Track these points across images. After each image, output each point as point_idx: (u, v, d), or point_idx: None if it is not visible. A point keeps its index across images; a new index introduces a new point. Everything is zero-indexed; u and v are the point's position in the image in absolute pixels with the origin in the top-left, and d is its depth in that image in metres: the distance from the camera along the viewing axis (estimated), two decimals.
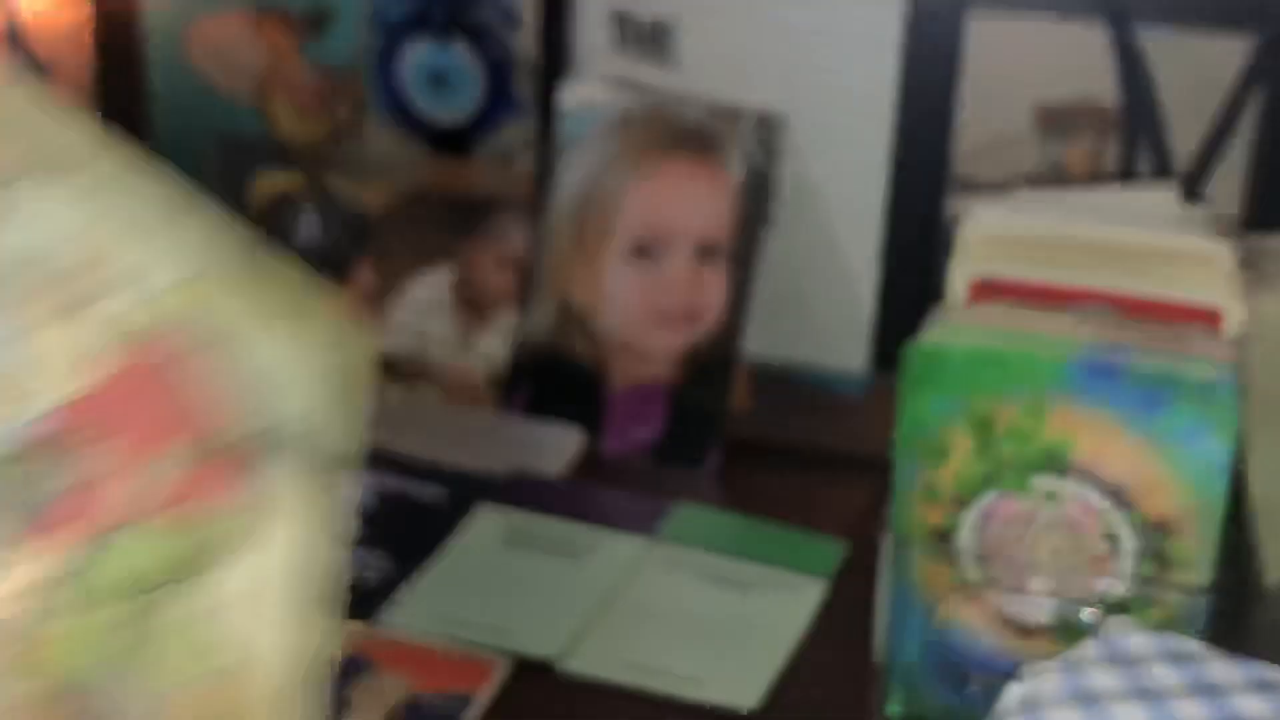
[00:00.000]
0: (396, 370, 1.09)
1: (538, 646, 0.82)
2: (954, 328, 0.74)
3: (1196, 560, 0.70)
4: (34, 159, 0.46)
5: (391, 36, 1.19)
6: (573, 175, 1.05)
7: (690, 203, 1.02)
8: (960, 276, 0.80)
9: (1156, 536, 0.70)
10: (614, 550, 0.91)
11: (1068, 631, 0.71)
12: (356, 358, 0.50)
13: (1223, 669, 0.62)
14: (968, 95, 1.00)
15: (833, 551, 0.91)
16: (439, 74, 1.19)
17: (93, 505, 0.46)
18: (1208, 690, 0.61)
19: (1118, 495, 0.70)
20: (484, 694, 0.78)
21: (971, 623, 0.73)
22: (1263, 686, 0.61)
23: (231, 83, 1.27)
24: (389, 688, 0.78)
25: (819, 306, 1.05)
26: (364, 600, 0.85)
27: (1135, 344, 0.71)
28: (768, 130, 1.02)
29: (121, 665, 0.48)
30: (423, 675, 0.79)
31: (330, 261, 1.11)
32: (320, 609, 0.51)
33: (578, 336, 1.04)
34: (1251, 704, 0.60)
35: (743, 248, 1.01)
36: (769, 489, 0.99)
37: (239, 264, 0.49)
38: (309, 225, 1.12)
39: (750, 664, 0.82)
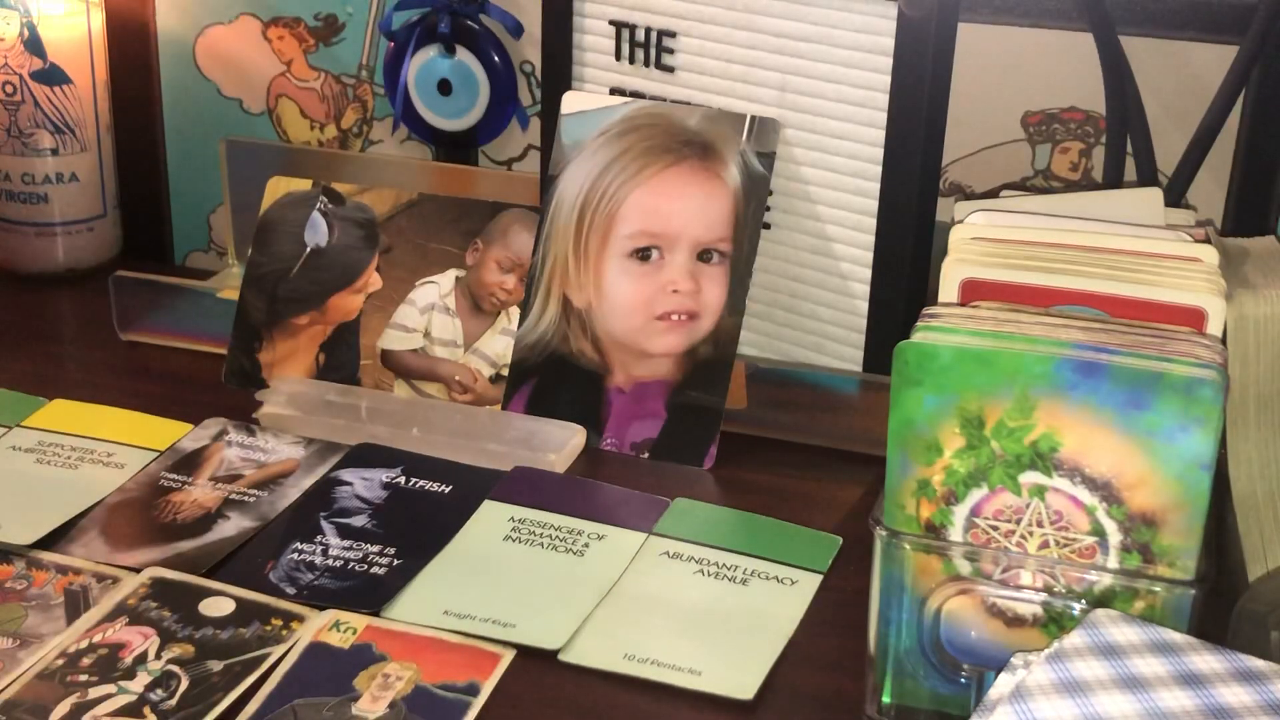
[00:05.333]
0: (404, 370, 1.10)
1: (541, 638, 0.82)
2: (945, 327, 0.74)
3: (1181, 553, 0.70)
4: None
5: (399, 45, 1.20)
6: (575, 179, 1.04)
7: (689, 206, 1.02)
8: (951, 277, 0.80)
9: (1142, 530, 0.70)
10: (615, 545, 0.91)
11: (1056, 623, 0.72)
12: None
13: (1206, 659, 0.63)
14: (958, 101, 1.01)
15: (827, 546, 0.91)
16: (445, 81, 1.20)
17: None
18: (1192, 680, 0.62)
19: (1104, 490, 0.70)
20: (489, 684, 0.79)
21: (962, 614, 0.74)
22: (1245, 676, 0.62)
23: (242, 89, 1.28)
24: (397, 677, 0.79)
25: (814, 307, 1.05)
26: (373, 593, 0.86)
27: (1121, 343, 0.71)
28: (764, 135, 1.02)
29: None
30: (430, 665, 0.80)
31: (339, 264, 1.11)
32: None
33: (579, 337, 1.04)
34: (1235, 693, 0.61)
35: (740, 250, 1.02)
36: (765, 485, 0.99)
37: None
38: (318, 229, 1.12)
39: (747, 655, 0.82)
